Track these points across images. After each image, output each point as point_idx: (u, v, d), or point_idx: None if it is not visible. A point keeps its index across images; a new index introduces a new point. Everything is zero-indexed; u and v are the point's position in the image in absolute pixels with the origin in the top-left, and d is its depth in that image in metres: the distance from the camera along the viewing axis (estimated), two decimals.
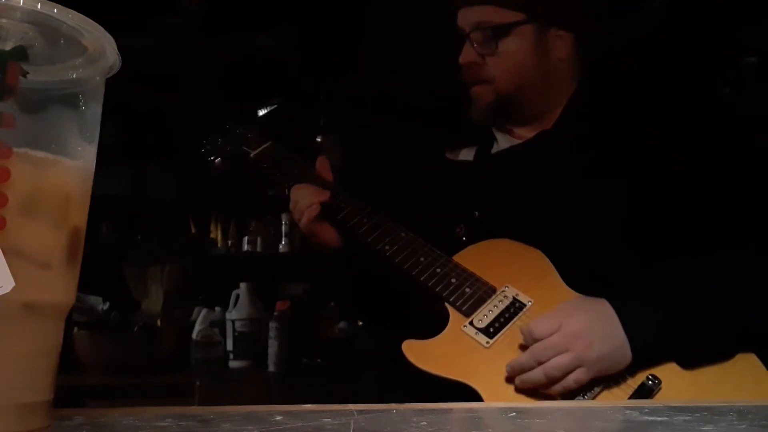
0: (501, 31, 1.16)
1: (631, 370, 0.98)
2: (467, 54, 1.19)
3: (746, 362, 1.00)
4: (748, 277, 1.03)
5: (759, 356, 1.00)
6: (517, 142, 1.24)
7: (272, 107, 2.68)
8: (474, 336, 1.04)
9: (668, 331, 0.98)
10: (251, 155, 1.33)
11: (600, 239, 1.09)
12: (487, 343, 1.03)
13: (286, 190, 1.27)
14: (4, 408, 0.40)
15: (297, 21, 2.48)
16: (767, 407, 0.58)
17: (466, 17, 1.20)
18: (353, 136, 2.79)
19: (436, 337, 1.06)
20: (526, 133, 1.23)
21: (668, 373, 0.98)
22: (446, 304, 1.08)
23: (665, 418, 0.49)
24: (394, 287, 1.20)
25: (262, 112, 2.68)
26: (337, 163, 2.81)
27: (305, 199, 1.21)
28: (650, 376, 0.97)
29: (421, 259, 1.12)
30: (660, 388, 0.96)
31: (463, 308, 1.07)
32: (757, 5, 2.06)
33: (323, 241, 1.23)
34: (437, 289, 1.09)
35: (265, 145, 1.33)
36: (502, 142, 1.26)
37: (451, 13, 1.22)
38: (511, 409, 0.57)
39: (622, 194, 1.09)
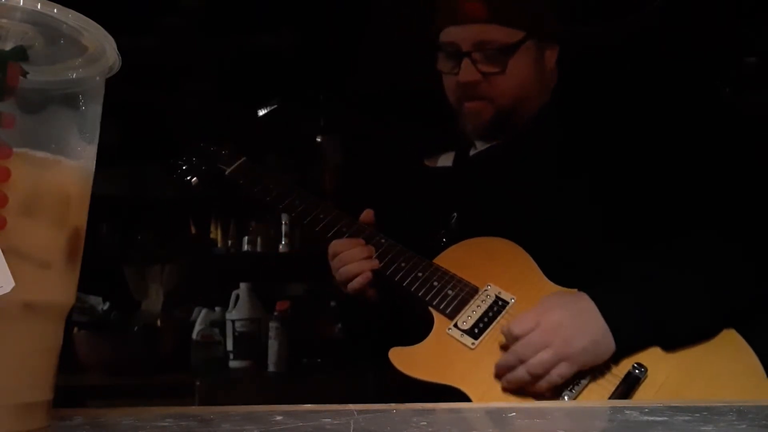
0: (509, 51, 1.15)
1: (615, 359, 0.98)
2: (468, 72, 1.16)
3: (728, 339, 1.00)
4: (724, 257, 1.02)
5: (739, 330, 1.00)
6: (494, 143, 1.24)
7: (272, 107, 2.68)
8: (459, 338, 1.05)
9: (650, 318, 0.98)
10: (227, 172, 1.33)
11: (578, 232, 1.09)
12: (473, 344, 1.04)
13: (268, 200, 1.27)
14: (4, 408, 0.40)
15: (297, 21, 2.48)
16: (767, 407, 0.58)
17: (465, 35, 1.16)
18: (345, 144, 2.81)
19: (421, 343, 1.06)
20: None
21: (652, 358, 0.98)
22: (430, 308, 1.09)
23: (665, 418, 0.49)
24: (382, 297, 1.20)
25: (262, 112, 2.68)
26: (336, 163, 2.82)
27: (355, 265, 1.16)
28: (636, 365, 0.97)
29: (402, 264, 1.13)
30: (646, 376, 0.97)
31: (447, 311, 1.07)
32: (757, 5, 2.06)
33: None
34: (420, 293, 1.10)
35: (239, 161, 1.33)
36: (480, 144, 1.27)
37: (431, 25, 1.21)
38: (511, 409, 0.57)
39: (599, 187, 1.09)
